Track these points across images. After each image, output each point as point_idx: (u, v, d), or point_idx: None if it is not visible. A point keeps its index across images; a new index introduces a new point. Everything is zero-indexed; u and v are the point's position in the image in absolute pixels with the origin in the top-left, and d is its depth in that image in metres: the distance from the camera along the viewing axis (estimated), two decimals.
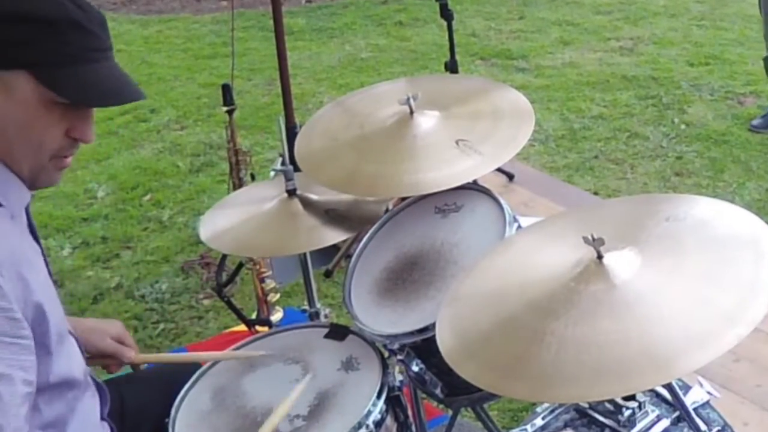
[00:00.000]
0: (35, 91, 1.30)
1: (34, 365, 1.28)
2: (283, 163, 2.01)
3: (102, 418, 1.56)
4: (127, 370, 1.83)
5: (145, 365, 1.88)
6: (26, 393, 1.26)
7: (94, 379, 1.56)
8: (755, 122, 4.38)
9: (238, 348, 1.80)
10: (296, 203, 1.96)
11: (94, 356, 1.70)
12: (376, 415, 1.54)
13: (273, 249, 1.99)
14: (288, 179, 1.97)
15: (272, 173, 2.09)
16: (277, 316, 3.03)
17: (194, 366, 1.78)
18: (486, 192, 1.86)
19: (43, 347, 1.33)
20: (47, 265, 1.48)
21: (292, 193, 1.98)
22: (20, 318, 1.26)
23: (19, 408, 1.24)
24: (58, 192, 4.36)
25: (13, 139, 1.32)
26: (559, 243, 1.51)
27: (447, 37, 3.57)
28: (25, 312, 1.29)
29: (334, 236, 1.88)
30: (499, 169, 3.60)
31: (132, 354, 1.75)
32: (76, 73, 1.31)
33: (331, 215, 1.94)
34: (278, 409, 1.55)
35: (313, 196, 1.98)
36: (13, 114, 1.30)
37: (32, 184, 1.39)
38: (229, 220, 2.00)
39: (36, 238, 1.48)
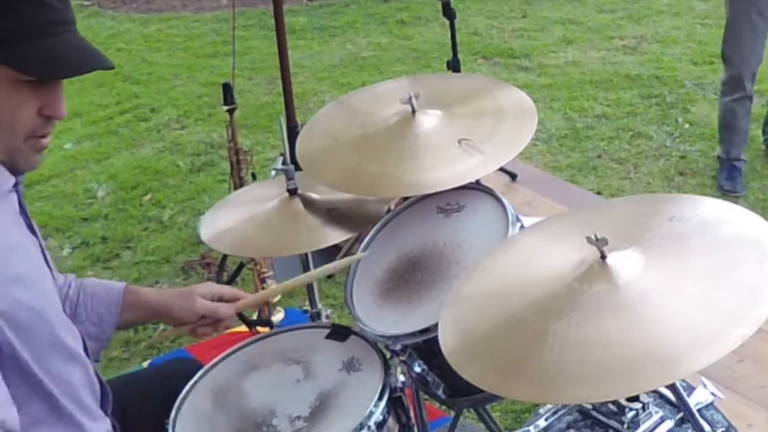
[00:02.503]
0: (0, 73, 1.27)
1: None
2: (284, 163, 2.01)
3: (106, 415, 1.56)
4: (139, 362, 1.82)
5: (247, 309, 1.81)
6: None
7: (98, 376, 1.55)
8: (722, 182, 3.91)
9: (239, 348, 1.79)
10: (297, 203, 1.95)
11: (192, 323, 1.71)
12: (377, 417, 1.53)
13: (274, 249, 1.98)
14: (289, 178, 1.96)
15: (273, 173, 2.08)
16: (278, 316, 3.03)
17: (195, 366, 1.77)
18: (488, 192, 1.85)
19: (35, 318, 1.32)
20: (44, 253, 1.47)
21: (293, 192, 1.97)
22: None
23: None
24: (57, 192, 4.36)
25: None
26: (562, 243, 1.50)
27: (449, 35, 3.55)
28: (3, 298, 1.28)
29: (335, 236, 1.87)
30: (501, 169, 3.58)
31: (231, 309, 1.72)
32: (38, 48, 1.28)
33: (332, 215, 1.93)
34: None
35: (315, 196, 1.97)
36: None
37: (12, 169, 1.37)
38: (229, 220, 1.99)
39: (30, 226, 1.45)
